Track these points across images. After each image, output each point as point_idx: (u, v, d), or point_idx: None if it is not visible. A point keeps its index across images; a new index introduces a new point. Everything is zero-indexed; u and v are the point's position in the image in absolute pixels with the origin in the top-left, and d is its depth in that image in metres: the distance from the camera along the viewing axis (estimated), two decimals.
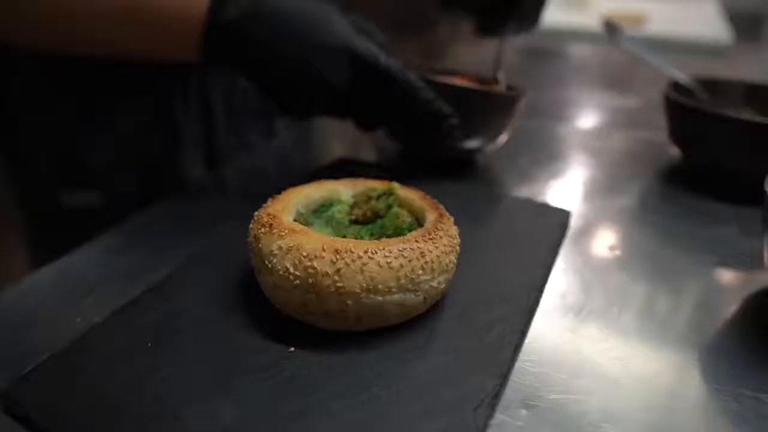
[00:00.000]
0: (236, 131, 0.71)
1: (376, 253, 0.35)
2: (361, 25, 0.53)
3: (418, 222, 0.41)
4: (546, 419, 0.33)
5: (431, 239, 0.37)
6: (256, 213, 0.41)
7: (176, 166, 0.67)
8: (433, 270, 0.36)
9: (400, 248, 0.35)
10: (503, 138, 0.64)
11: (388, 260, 0.35)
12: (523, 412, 0.33)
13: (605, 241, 0.54)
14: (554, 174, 0.67)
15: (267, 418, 0.31)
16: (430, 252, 0.36)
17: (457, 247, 0.39)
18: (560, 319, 0.42)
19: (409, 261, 0.35)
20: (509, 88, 0.65)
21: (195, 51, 0.49)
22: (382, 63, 0.49)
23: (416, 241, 0.36)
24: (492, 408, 0.32)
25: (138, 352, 0.35)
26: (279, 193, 0.43)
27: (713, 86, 0.69)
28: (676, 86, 0.67)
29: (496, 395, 0.33)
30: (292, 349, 0.35)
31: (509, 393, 0.34)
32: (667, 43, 1.22)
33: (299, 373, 0.33)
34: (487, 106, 0.59)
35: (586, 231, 0.54)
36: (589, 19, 1.52)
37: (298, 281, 0.35)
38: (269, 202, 0.42)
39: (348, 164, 0.62)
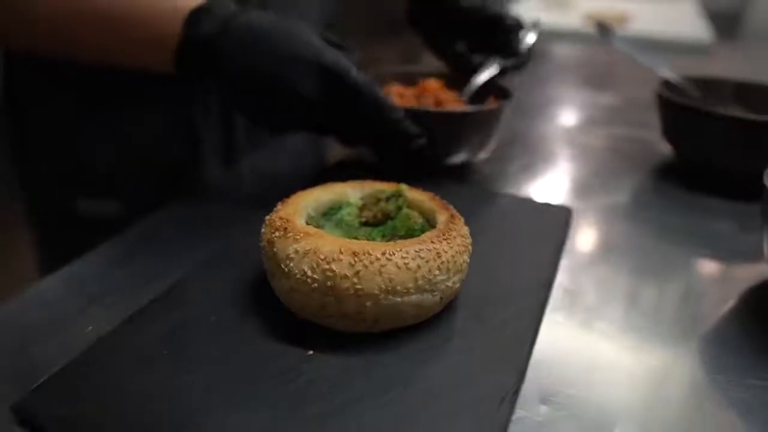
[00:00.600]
0: (253, 130, 0.71)
1: (394, 254, 0.35)
2: (334, 40, 0.53)
3: (429, 223, 0.42)
4: (565, 414, 0.34)
5: (445, 239, 0.37)
6: (267, 217, 0.41)
7: (196, 172, 0.67)
8: (448, 270, 0.37)
9: (416, 249, 0.36)
10: (491, 146, 0.64)
11: (406, 261, 0.35)
12: (543, 407, 0.34)
13: (605, 238, 0.55)
14: (546, 173, 0.68)
15: (290, 423, 0.31)
16: (446, 252, 0.37)
17: (470, 247, 0.40)
18: (569, 316, 0.42)
19: (426, 262, 0.35)
20: (500, 89, 0.66)
21: (171, 64, 0.50)
22: (352, 77, 0.50)
23: (431, 241, 0.37)
24: (512, 404, 0.33)
25: (154, 360, 0.35)
26: (288, 196, 0.43)
27: (703, 84, 0.70)
28: (667, 85, 0.69)
29: (516, 392, 0.34)
30: (311, 352, 0.35)
31: (527, 389, 0.35)
32: (650, 42, 1.25)
33: (319, 376, 0.34)
34: (466, 124, 0.59)
35: (585, 228, 0.55)
36: (570, 19, 1.54)
37: (316, 284, 0.35)
38: (280, 206, 0.42)
39: (349, 167, 0.62)
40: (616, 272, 0.49)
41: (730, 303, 0.45)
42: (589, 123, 0.88)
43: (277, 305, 0.39)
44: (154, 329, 0.37)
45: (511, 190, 0.63)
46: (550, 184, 0.65)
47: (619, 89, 1.09)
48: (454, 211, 0.42)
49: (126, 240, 0.50)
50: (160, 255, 0.48)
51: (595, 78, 1.22)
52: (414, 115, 0.54)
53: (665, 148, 0.73)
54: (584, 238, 0.54)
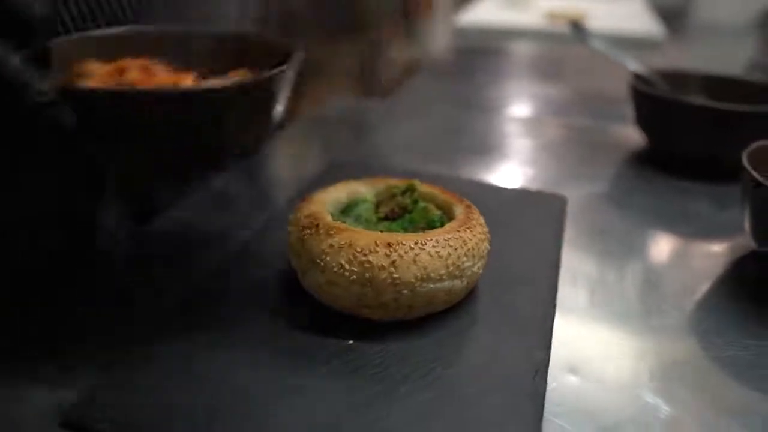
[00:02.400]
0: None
1: (426, 244, 0.37)
2: None
3: (446, 214, 0.44)
4: (594, 382, 0.36)
5: (468, 228, 0.40)
6: (292, 216, 0.42)
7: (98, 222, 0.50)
8: (473, 256, 0.39)
9: (445, 238, 0.38)
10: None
11: (437, 250, 0.37)
12: (572, 377, 0.37)
13: (591, 223, 0.58)
14: (525, 165, 0.71)
15: (346, 407, 0.32)
16: (470, 240, 0.39)
17: (488, 234, 0.42)
18: (575, 294, 0.45)
19: (455, 249, 0.38)
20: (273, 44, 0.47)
21: None
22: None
23: (457, 230, 0.39)
24: (545, 376, 0.35)
25: (197, 359, 0.36)
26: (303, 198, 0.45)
27: (670, 77, 0.75)
28: (637, 78, 0.73)
29: (546, 365, 0.36)
30: (351, 341, 0.37)
31: (554, 362, 0.37)
32: (607, 40, 1.31)
33: (362, 364, 0.35)
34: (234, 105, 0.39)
35: (571, 215, 0.58)
36: (529, 17, 1.59)
37: (354, 276, 0.36)
38: (301, 205, 0.43)
39: (344, 166, 0.64)
40: (609, 253, 0.53)
41: (718, 274, 0.49)
42: (552, 115, 0.92)
43: (306, 301, 0.40)
44: (191, 330, 0.38)
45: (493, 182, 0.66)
46: (530, 176, 0.68)
47: (580, 83, 1.14)
48: (469, 202, 0.44)
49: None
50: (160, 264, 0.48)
51: (557, 73, 1.27)
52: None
53: (633, 137, 0.77)
54: (573, 223, 0.57)
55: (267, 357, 0.36)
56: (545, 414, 0.33)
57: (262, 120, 0.42)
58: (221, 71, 0.45)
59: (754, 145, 0.51)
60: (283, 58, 0.42)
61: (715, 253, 0.53)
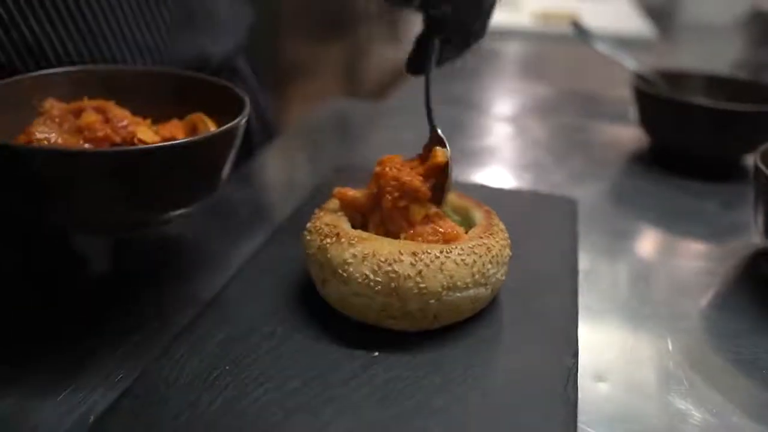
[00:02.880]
0: None
1: (451, 251, 0.36)
2: None
3: (465, 221, 0.43)
4: (623, 389, 0.36)
5: (491, 234, 0.39)
6: (310, 224, 0.41)
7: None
8: (498, 263, 0.38)
9: (470, 245, 0.37)
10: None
11: (463, 257, 0.36)
12: (601, 384, 0.36)
13: (603, 225, 0.58)
14: (527, 166, 0.71)
15: (379, 423, 0.31)
16: (494, 246, 0.38)
17: (509, 240, 0.41)
18: (593, 297, 0.45)
19: (480, 257, 0.37)
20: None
21: None
22: None
23: (480, 237, 0.38)
24: (576, 384, 0.35)
25: (218, 376, 0.35)
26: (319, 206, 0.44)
27: (671, 77, 0.76)
28: (638, 78, 0.73)
29: (576, 372, 0.36)
30: (377, 353, 0.36)
31: (581, 368, 0.37)
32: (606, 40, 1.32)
33: (392, 376, 0.34)
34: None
35: (582, 217, 0.58)
36: (520, 17, 1.60)
37: (379, 287, 0.35)
38: (318, 213, 0.42)
39: (350, 172, 0.63)
40: (623, 255, 0.53)
41: (733, 274, 0.49)
42: (548, 116, 0.92)
43: (328, 312, 0.39)
44: (207, 347, 0.37)
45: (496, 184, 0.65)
46: (534, 178, 0.68)
47: (574, 83, 1.15)
48: (488, 207, 0.44)
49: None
50: (171, 281, 0.47)
51: (550, 73, 1.28)
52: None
53: (633, 136, 0.78)
54: (583, 225, 0.57)
55: (293, 372, 0.35)
56: (578, 423, 0.33)
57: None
58: (177, 113, 0.45)
59: (765, 146, 0.51)
60: (238, 105, 0.42)
61: (727, 253, 0.53)
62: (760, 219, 0.48)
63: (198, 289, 0.45)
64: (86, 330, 0.40)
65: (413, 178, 0.39)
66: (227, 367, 0.35)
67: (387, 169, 0.39)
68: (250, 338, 0.38)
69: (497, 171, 0.69)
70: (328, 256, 0.38)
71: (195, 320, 0.40)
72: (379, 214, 0.40)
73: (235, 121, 0.39)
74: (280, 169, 0.73)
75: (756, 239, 0.54)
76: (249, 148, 0.71)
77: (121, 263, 0.49)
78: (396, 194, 0.39)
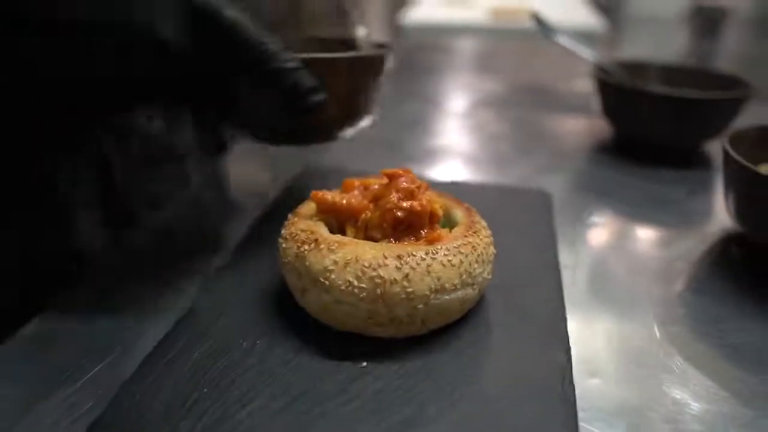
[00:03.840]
0: (139, 185, 0.54)
1: (437, 253, 0.35)
2: None
3: (446, 218, 0.42)
4: (617, 382, 0.35)
5: (475, 232, 0.38)
6: (285, 232, 0.39)
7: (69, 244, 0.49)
8: (483, 262, 0.37)
9: (455, 245, 0.36)
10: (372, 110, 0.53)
11: (449, 258, 0.35)
12: (594, 380, 0.35)
13: (575, 216, 0.58)
14: (494, 161, 0.71)
15: None
16: (479, 244, 0.37)
17: (492, 237, 0.40)
18: (576, 290, 0.45)
19: (466, 256, 0.36)
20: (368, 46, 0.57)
21: None
22: (227, 16, 0.36)
23: (465, 236, 0.37)
24: (572, 381, 0.34)
25: (196, 400, 0.32)
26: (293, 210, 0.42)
27: (630, 67, 0.76)
28: (599, 69, 0.74)
29: (570, 368, 0.35)
30: (365, 364, 0.34)
31: (573, 364, 0.36)
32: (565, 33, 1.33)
33: (382, 386, 0.33)
34: (344, 74, 0.46)
35: (554, 209, 0.58)
36: (473, 14, 1.60)
37: (364, 293, 0.34)
38: (293, 219, 0.40)
39: (318, 173, 0.61)
40: (595, 245, 0.52)
41: (707, 259, 0.50)
42: (507, 109, 0.93)
43: (307, 320, 0.37)
44: (182, 368, 0.34)
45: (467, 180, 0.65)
46: (502, 172, 0.68)
47: (531, 77, 1.16)
48: (468, 204, 0.42)
49: (85, 289, 0.45)
50: (130, 302, 0.42)
51: (507, 68, 1.28)
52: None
53: (596, 127, 0.78)
54: (556, 217, 0.56)
55: (277, 390, 0.32)
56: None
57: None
58: None
59: (732, 131, 0.51)
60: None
61: (699, 239, 0.53)
62: (731, 203, 0.49)
63: (162, 308, 0.42)
64: (35, 361, 0.37)
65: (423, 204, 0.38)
66: (205, 390, 0.33)
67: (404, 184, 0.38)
68: (227, 356, 0.35)
69: (461, 166, 0.69)
70: (307, 263, 0.36)
71: (165, 340, 0.37)
72: (365, 219, 0.38)
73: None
74: (244, 173, 0.70)
75: (725, 223, 0.54)
76: (221, 144, 0.68)
77: (79, 278, 0.45)
78: (401, 214, 0.37)
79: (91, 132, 0.48)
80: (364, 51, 0.55)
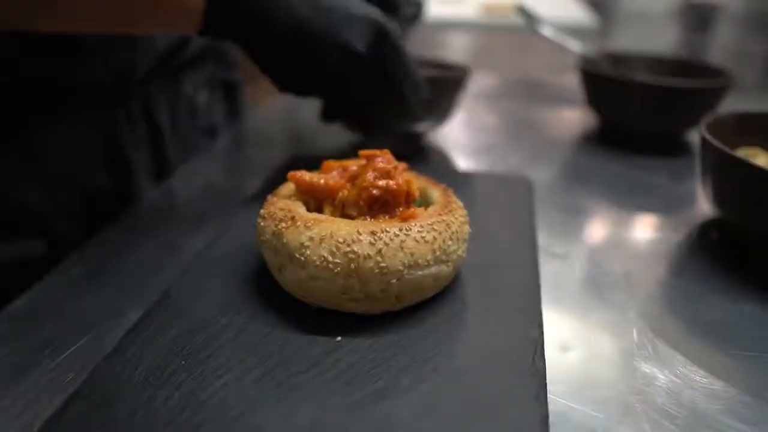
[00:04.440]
0: (181, 139, 0.67)
1: (411, 229, 0.35)
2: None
3: (422, 199, 0.42)
4: (589, 355, 0.36)
5: (450, 211, 0.39)
6: (263, 211, 0.40)
7: (127, 195, 0.61)
8: (458, 239, 0.38)
9: (429, 222, 0.36)
10: (452, 116, 0.67)
11: (423, 235, 0.36)
12: (570, 353, 0.36)
13: (559, 203, 0.58)
14: (481, 150, 0.71)
15: (344, 408, 0.30)
16: (453, 223, 0.38)
17: (467, 217, 0.41)
18: (554, 272, 0.45)
19: (440, 233, 0.36)
20: (450, 66, 0.69)
21: (196, 23, 0.45)
22: (396, 35, 0.49)
23: (439, 214, 0.38)
24: (543, 355, 0.34)
25: (172, 371, 0.33)
26: (272, 189, 0.42)
27: (615, 59, 0.77)
28: (585, 61, 0.75)
29: (542, 343, 0.35)
30: (339, 338, 0.35)
31: (546, 340, 0.37)
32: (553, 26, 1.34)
33: (357, 359, 0.33)
34: (440, 90, 0.62)
35: (538, 196, 0.58)
36: (465, 9, 1.61)
37: (338, 269, 0.34)
38: (272, 199, 0.41)
39: (304, 161, 0.61)
40: (578, 229, 0.53)
41: (686, 242, 0.50)
42: (496, 102, 0.93)
43: (285, 298, 0.38)
44: (161, 342, 0.35)
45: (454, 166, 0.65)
46: (488, 161, 0.68)
47: (519, 70, 1.16)
48: (445, 186, 0.43)
49: (77, 266, 0.45)
50: (113, 283, 0.43)
51: (496, 61, 1.29)
52: None
53: (581, 118, 0.79)
54: (540, 204, 0.57)
55: (253, 362, 0.33)
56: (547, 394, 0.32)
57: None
58: None
59: (709, 117, 0.52)
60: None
61: (679, 223, 0.54)
62: (709, 188, 0.50)
63: (149, 283, 0.42)
64: (28, 332, 0.38)
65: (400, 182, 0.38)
66: (183, 363, 0.33)
67: (380, 163, 0.39)
68: (205, 331, 0.36)
69: (452, 156, 0.69)
70: (284, 240, 0.36)
71: (146, 316, 0.37)
72: (342, 198, 0.38)
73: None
74: (230, 162, 0.71)
75: (705, 209, 0.55)
76: (212, 127, 0.76)
77: (65, 260, 0.46)
78: (377, 192, 0.38)
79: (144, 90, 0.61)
80: (455, 72, 0.67)
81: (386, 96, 0.52)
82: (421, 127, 0.65)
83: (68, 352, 0.36)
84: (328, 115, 0.55)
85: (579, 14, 1.61)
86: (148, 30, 0.49)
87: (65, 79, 0.54)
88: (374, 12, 0.49)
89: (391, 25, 0.49)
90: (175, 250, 0.47)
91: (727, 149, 0.46)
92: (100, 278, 0.44)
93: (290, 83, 0.51)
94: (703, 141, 0.49)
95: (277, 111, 0.87)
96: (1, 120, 0.54)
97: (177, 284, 0.40)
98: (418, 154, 0.67)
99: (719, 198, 0.49)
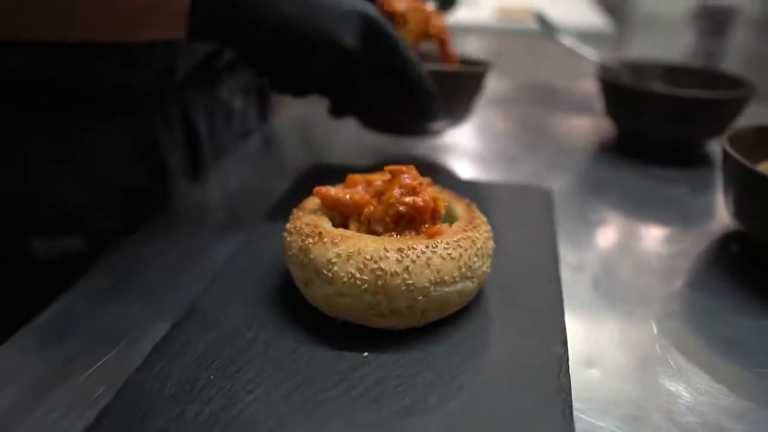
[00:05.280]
0: (216, 141, 0.68)
1: (437, 246, 0.36)
2: None
3: (447, 214, 0.43)
4: (614, 374, 0.36)
5: (474, 227, 0.39)
6: (289, 225, 0.40)
7: (162, 193, 0.63)
8: (483, 255, 0.38)
9: (455, 239, 0.37)
10: (470, 115, 0.66)
11: (449, 251, 0.36)
12: (593, 371, 0.36)
13: (578, 214, 0.58)
14: (497, 159, 0.72)
15: (373, 426, 0.30)
16: (478, 239, 0.38)
17: (491, 232, 0.41)
18: (575, 285, 0.45)
19: (465, 250, 0.37)
20: (470, 62, 0.68)
21: (182, 26, 0.45)
22: (391, 30, 0.48)
23: (464, 230, 0.38)
24: (568, 372, 0.35)
25: (202, 386, 0.33)
26: (298, 204, 0.43)
27: (633, 67, 0.77)
28: (604, 70, 0.74)
29: (567, 360, 0.36)
30: (366, 354, 0.35)
31: (571, 356, 0.37)
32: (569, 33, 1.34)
33: (383, 375, 0.34)
34: (457, 86, 0.60)
35: (557, 206, 0.58)
36: (480, 13, 1.61)
37: (366, 285, 0.35)
38: (297, 213, 0.41)
39: (326, 170, 0.62)
40: (600, 242, 0.53)
41: (705, 256, 0.50)
42: (512, 108, 0.93)
43: (311, 311, 0.38)
44: (189, 356, 0.36)
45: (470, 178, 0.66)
46: (506, 170, 0.68)
47: (536, 76, 1.16)
48: (468, 200, 0.43)
49: (103, 277, 0.46)
50: (142, 291, 0.44)
51: (512, 66, 1.29)
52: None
53: (599, 127, 0.79)
54: (559, 215, 0.57)
55: (281, 377, 0.33)
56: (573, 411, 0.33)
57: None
58: None
59: (731, 130, 0.52)
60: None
61: (699, 236, 0.54)
62: (730, 201, 0.50)
63: (176, 295, 0.43)
64: (57, 344, 0.39)
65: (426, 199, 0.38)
66: (212, 377, 0.34)
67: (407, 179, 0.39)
68: (233, 345, 0.36)
69: (468, 165, 0.69)
70: (311, 256, 0.37)
71: (174, 329, 0.38)
72: (368, 213, 0.39)
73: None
74: (260, 164, 0.72)
75: (724, 222, 0.55)
76: (245, 131, 0.78)
77: (88, 274, 0.46)
78: (403, 209, 0.38)
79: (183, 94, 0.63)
80: (470, 68, 0.64)
81: (388, 92, 0.51)
82: (437, 126, 0.63)
83: (97, 365, 0.37)
84: (334, 111, 0.55)
85: (595, 19, 1.61)
86: (135, 37, 0.48)
87: (106, 81, 0.56)
88: (366, 6, 0.48)
89: (383, 19, 0.48)
90: (203, 256, 0.48)
91: (748, 163, 0.46)
92: (127, 288, 0.45)
93: (283, 83, 0.51)
94: (725, 154, 0.49)
95: (299, 113, 0.87)
96: (42, 119, 0.56)
97: (203, 297, 0.41)
98: (438, 167, 0.67)
99: (740, 212, 0.49)
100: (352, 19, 0.47)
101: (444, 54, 0.62)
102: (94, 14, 0.44)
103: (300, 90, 0.51)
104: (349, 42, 0.47)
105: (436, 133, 0.67)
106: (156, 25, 0.45)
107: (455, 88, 0.59)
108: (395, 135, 0.66)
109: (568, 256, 0.49)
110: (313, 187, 0.42)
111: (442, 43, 0.62)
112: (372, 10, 0.48)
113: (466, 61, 0.68)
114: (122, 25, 0.46)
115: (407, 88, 0.50)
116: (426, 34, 0.60)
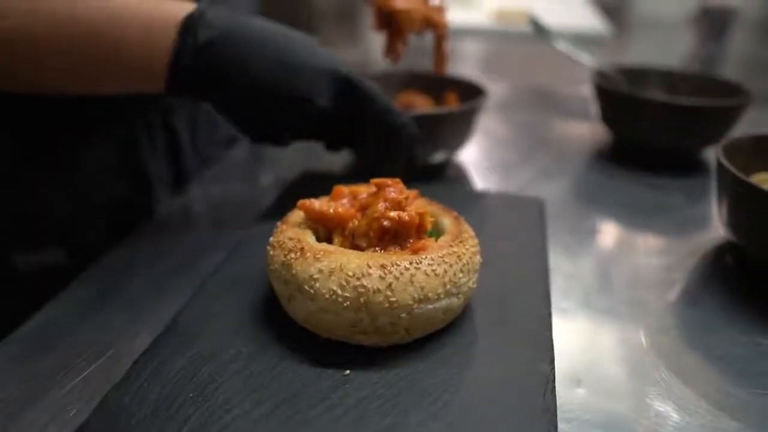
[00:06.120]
0: (200, 150, 0.67)
1: (421, 262, 0.35)
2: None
3: (434, 227, 0.42)
4: (602, 393, 0.35)
5: (461, 242, 0.38)
6: (273, 239, 0.39)
7: (145, 207, 0.62)
8: (469, 271, 0.37)
9: (440, 255, 0.36)
10: (467, 141, 0.67)
11: (433, 268, 0.35)
12: (579, 390, 0.36)
13: (571, 223, 0.58)
14: (491, 166, 0.71)
15: None
16: (464, 254, 0.37)
17: (479, 246, 0.40)
18: (565, 298, 0.45)
19: (450, 266, 0.36)
20: (466, 84, 0.69)
21: (161, 83, 0.46)
22: (365, 85, 0.49)
23: (450, 245, 0.37)
24: (554, 391, 0.34)
25: (182, 404, 0.33)
26: (281, 216, 0.42)
27: (629, 73, 0.76)
28: (599, 75, 0.74)
29: (553, 378, 0.35)
30: (348, 372, 0.35)
31: (558, 373, 0.36)
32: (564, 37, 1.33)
33: (366, 395, 0.33)
34: (450, 124, 0.61)
35: (550, 215, 0.58)
36: (476, 16, 1.60)
37: (348, 302, 0.34)
38: (281, 226, 0.40)
39: (315, 178, 0.61)
40: (592, 252, 0.53)
41: (700, 268, 0.50)
42: (507, 113, 0.92)
43: (295, 329, 0.38)
44: (169, 372, 0.35)
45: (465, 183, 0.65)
46: (499, 177, 0.68)
47: (531, 80, 1.15)
48: (455, 213, 0.43)
49: (84, 287, 0.46)
50: (126, 304, 0.44)
51: (508, 70, 1.28)
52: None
53: (594, 133, 0.78)
54: (552, 224, 0.56)
55: (262, 396, 0.33)
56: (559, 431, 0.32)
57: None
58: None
59: (726, 140, 0.51)
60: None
61: (693, 247, 0.53)
62: (724, 212, 0.49)
63: (160, 307, 0.42)
64: (39, 357, 0.38)
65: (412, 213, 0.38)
66: (191, 395, 0.33)
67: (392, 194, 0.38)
68: (213, 361, 0.36)
69: (462, 172, 0.69)
70: (293, 272, 0.36)
71: (154, 345, 0.37)
72: (352, 227, 0.38)
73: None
74: (246, 172, 0.71)
75: (719, 231, 0.54)
76: (231, 139, 0.77)
77: (75, 279, 0.46)
78: (387, 224, 0.37)
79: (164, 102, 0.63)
80: (460, 106, 0.65)
81: (371, 140, 0.52)
82: (436, 158, 0.64)
83: (80, 377, 0.36)
84: (328, 148, 0.55)
85: (592, 22, 1.60)
86: (114, 90, 0.50)
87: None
88: (340, 63, 0.48)
89: (355, 73, 0.49)
90: (187, 268, 0.47)
91: (741, 175, 0.45)
92: (110, 300, 0.44)
93: (261, 138, 0.51)
94: (719, 165, 0.48)
95: None
96: (26, 134, 0.56)
97: (185, 311, 0.40)
98: (435, 176, 0.67)
99: (733, 223, 0.48)
100: (326, 78, 0.47)
101: (437, 51, 0.65)
102: (76, 76, 0.46)
103: (277, 141, 0.51)
104: (323, 102, 0.47)
105: (433, 161, 0.66)
106: (134, 81, 0.47)
107: (449, 126, 0.61)
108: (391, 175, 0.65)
109: (560, 266, 0.48)
110: (301, 196, 0.41)
111: (439, 38, 0.64)
112: (344, 65, 0.49)
113: (461, 84, 0.70)
114: (100, 78, 0.47)
115: (389, 138, 0.51)
116: (427, 24, 0.62)
